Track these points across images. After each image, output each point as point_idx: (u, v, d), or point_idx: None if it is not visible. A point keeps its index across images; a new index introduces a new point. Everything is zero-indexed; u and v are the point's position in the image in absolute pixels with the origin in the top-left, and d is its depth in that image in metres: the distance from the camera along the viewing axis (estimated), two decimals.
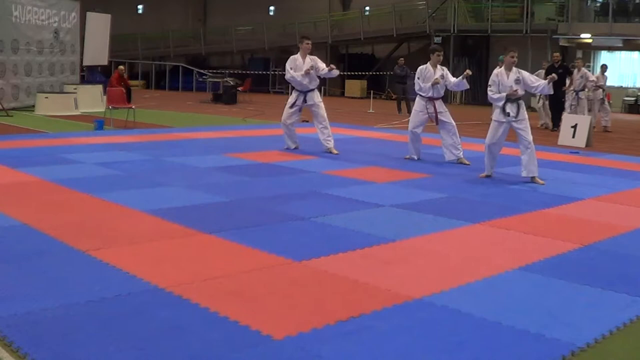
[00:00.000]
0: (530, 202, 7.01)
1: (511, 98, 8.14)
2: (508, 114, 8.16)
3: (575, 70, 15.54)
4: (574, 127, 12.82)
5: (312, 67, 10.10)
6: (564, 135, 13.02)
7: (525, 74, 8.30)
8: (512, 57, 8.16)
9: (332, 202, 6.63)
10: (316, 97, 10.28)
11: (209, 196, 6.73)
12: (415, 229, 5.65)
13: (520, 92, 8.18)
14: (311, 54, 10.37)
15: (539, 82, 8.31)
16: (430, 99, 9.64)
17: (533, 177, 8.18)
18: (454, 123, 9.70)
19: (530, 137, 8.13)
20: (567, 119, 13.53)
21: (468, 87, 9.98)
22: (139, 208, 6.03)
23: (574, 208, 6.86)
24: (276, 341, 3.30)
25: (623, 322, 3.73)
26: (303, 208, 6.29)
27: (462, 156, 9.63)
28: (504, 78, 8.19)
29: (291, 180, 7.89)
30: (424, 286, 4.19)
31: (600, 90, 16.30)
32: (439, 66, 9.65)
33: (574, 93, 15.42)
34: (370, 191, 7.27)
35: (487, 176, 8.50)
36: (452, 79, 9.67)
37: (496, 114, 8.37)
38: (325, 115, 10.29)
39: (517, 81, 8.16)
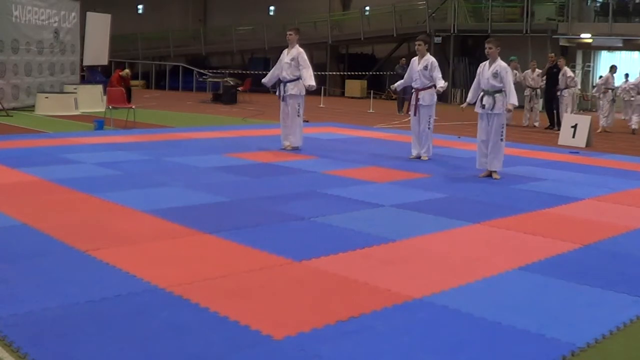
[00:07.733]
0: (530, 202, 7.01)
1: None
2: (483, 106, 8.33)
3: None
4: (574, 127, 12.81)
5: (293, 59, 10.11)
6: (564, 135, 13.01)
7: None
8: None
9: (332, 202, 6.63)
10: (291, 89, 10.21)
11: (209, 196, 6.72)
12: (415, 229, 5.65)
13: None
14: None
15: None
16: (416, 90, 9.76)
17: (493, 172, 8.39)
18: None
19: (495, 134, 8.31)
20: (567, 119, 13.52)
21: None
22: (139, 208, 6.03)
23: (574, 208, 6.85)
24: (276, 341, 3.30)
25: (623, 322, 3.73)
26: (303, 208, 6.29)
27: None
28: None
29: (291, 180, 7.89)
30: (424, 286, 4.19)
31: (610, 91, 16.34)
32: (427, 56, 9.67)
33: (558, 92, 15.67)
34: (370, 191, 7.27)
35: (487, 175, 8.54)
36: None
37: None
38: (294, 113, 10.26)
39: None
